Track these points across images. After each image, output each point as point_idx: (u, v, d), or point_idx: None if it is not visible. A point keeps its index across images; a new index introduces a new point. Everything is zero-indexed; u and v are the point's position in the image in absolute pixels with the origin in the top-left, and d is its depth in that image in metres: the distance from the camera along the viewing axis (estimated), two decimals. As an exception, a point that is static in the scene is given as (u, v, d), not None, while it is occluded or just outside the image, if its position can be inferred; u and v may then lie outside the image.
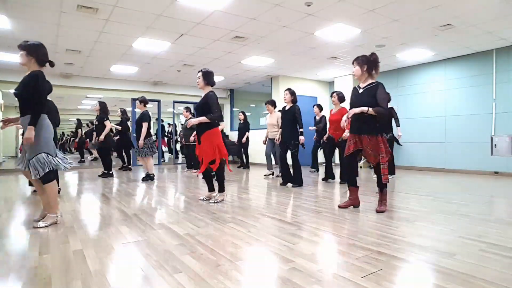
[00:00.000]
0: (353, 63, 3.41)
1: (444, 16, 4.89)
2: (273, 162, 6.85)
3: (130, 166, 8.56)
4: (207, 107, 3.76)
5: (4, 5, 4.37)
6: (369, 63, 3.30)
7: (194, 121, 3.75)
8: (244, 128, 8.30)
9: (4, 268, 1.96)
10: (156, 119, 11.06)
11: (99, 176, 6.78)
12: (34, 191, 4.81)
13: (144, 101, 6.06)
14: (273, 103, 6.36)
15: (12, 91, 3.06)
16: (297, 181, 5.20)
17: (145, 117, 5.96)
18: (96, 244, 2.40)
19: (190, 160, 8.15)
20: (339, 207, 3.56)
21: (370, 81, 3.34)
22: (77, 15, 4.70)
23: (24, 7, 4.44)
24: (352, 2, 4.41)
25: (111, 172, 6.78)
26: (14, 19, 4.86)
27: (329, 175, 5.88)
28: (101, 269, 1.93)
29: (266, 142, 6.47)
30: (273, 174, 6.78)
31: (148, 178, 6.10)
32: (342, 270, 1.88)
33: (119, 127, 7.99)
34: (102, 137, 6.51)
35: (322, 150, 6.59)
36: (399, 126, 6.24)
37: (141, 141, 5.89)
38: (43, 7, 4.45)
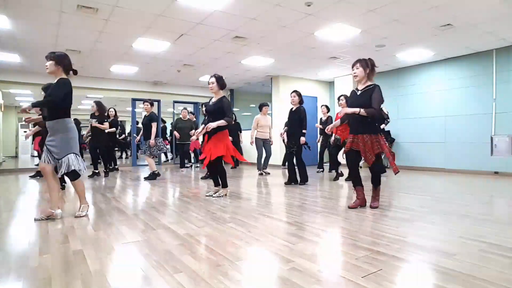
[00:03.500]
0: (355, 65, 3.52)
1: (444, 16, 4.89)
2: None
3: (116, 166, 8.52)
4: (222, 111, 4.15)
5: (4, 5, 4.37)
6: (370, 67, 3.49)
7: (214, 125, 4.06)
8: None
9: (5, 268, 1.96)
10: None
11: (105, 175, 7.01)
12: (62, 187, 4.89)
13: (152, 103, 6.44)
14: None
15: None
16: (304, 179, 5.44)
17: (155, 117, 6.32)
18: (96, 244, 2.40)
19: (183, 159, 8.87)
20: (349, 207, 3.55)
21: (368, 83, 3.50)
22: (77, 15, 4.70)
23: (24, 7, 4.44)
24: (352, 2, 4.41)
25: (96, 171, 6.98)
26: (14, 19, 4.86)
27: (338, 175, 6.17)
28: (101, 269, 1.93)
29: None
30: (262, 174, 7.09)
31: (153, 176, 6.28)
32: (342, 270, 1.88)
33: (113, 129, 7.67)
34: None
35: (328, 151, 6.65)
36: (384, 124, 6.54)
37: (152, 141, 6.20)
38: (43, 7, 4.45)
